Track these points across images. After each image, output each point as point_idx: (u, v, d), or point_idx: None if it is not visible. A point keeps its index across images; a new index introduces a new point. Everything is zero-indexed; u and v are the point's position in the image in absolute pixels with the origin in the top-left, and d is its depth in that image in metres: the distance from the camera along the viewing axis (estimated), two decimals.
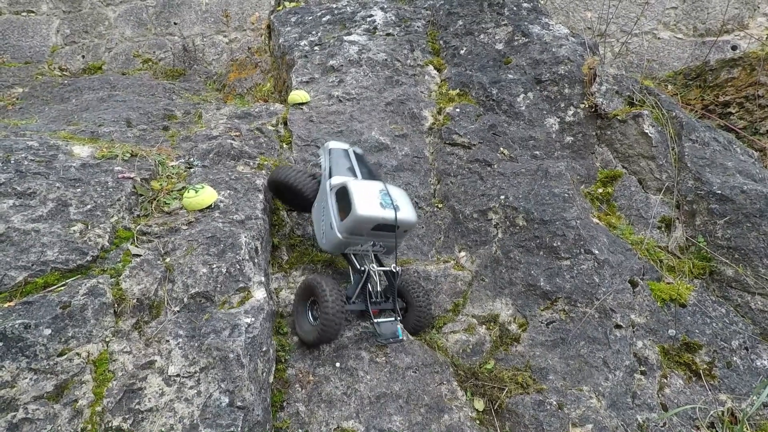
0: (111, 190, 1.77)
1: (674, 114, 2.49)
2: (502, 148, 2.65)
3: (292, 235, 2.21)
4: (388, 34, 3.49)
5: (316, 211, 1.94)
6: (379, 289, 1.84)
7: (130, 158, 2.04)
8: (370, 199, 1.74)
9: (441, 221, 2.52)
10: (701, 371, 1.82)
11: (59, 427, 1.10)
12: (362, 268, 1.80)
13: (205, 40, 6.03)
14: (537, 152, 2.63)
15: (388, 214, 1.75)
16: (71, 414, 1.14)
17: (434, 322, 2.08)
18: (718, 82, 5.61)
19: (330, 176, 1.89)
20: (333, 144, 2.05)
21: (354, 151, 2.07)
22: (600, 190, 2.47)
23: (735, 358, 1.85)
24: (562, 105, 2.72)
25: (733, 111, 5.42)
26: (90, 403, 1.17)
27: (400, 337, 1.70)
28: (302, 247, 2.17)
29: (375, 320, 1.71)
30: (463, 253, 2.36)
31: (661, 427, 1.66)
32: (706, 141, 2.44)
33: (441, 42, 3.45)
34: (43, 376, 1.17)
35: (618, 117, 2.55)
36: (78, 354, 1.23)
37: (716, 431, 1.64)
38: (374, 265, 1.83)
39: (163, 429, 1.17)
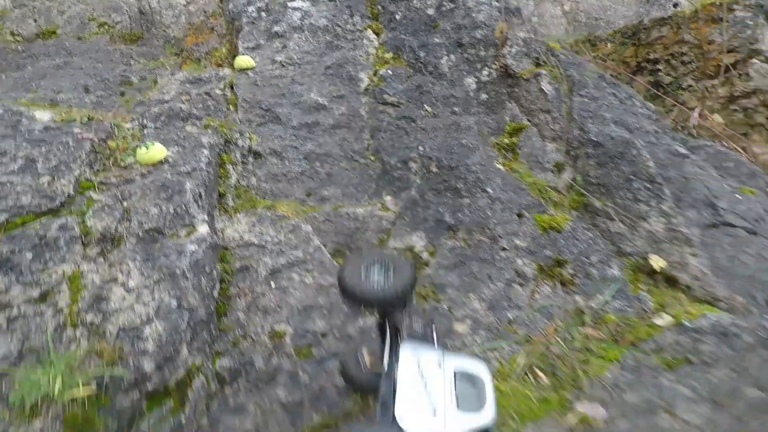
0: (72, 148, 2.08)
1: (569, 73, 2.88)
2: (426, 106, 3.01)
3: (238, 186, 2.56)
4: (330, 0, 3.72)
5: None
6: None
7: (88, 121, 2.33)
8: None
9: (372, 172, 2.90)
10: (565, 281, 2.31)
11: (46, 320, 1.49)
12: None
13: (161, 2, 6.05)
14: (456, 109, 3.01)
15: None
16: (54, 312, 1.52)
17: None
18: (649, 41, 6.03)
19: None
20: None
21: None
22: (506, 141, 2.88)
23: (593, 270, 2.33)
24: (479, 66, 3.08)
25: (661, 68, 5.88)
26: (68, 305, 1.55)
27: None
28: (247, 195, 2.53)
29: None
30: (389, 198, 2.76)
31: (526, 321, 2.14)
32: (596, 96, 2.85)
33: (379, 7, 3.70)
34: (29, 287, 1.54)
35: (524, 76, 2.92)
36: (56, 272, 1.60)
37: (568, 322, 2.13)
38: None
39: (126, 322, 1.57)
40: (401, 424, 1.15)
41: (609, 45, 6.33)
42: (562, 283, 2.32)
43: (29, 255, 1.59)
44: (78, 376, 1.40)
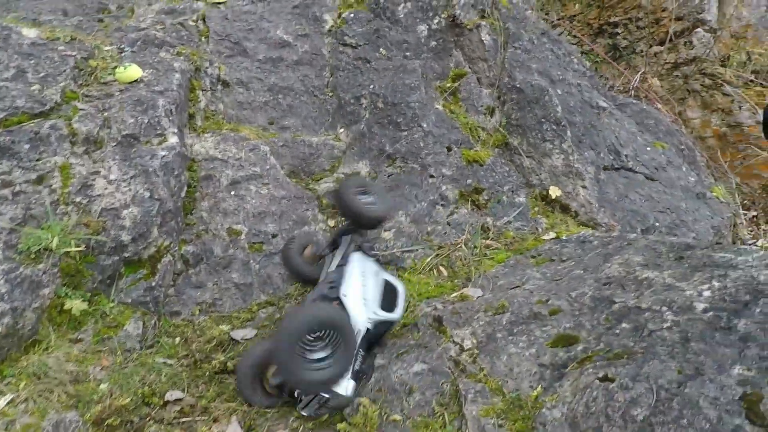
0: (58, 63, 2.38)
1: (507, 26, 3.22)
2: (381, 49, 3.33)
3: (207, 110, 2.90)
4: None
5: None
6: None
7: (71, 41, 2.60)
8: None
9: (330, 107, 3.26)
10: (480, 205, 2.78)
11: (43, 197, 1.88)
12: None
13: None
14: (408, 53, 3.34)
15: None
16: (49, 192, 1.91)
17: None
18: (611, 4, 6.32)
19: None
20: None
21: None
22: (449, 85, 3.25)
23: (504, 197, 2.81)
24: (431, 14, 3.38)
25: (620, 31, 6.21)
26: (60, 188, 1.94)
27: None
28: (214, 119, 2.88)
29: None
30: (342, 130, 3.15)
31: (441, 233, 2.62)
32: (529, 49, 3.21)
33: None
34: (28, 171, 1.91)
35: (468, 27, 3.25)
36: (49, 161, 1.98)
37: (474, 235, 2.61)
38: None
39: (107, 204, 1.97)
40: (343, 299, 1.73)
41: (576, 5, 6.59)
42: (477, 207, 2.79)
43: (27, 146, 1.95)
44: (70, 238, 1.81)
